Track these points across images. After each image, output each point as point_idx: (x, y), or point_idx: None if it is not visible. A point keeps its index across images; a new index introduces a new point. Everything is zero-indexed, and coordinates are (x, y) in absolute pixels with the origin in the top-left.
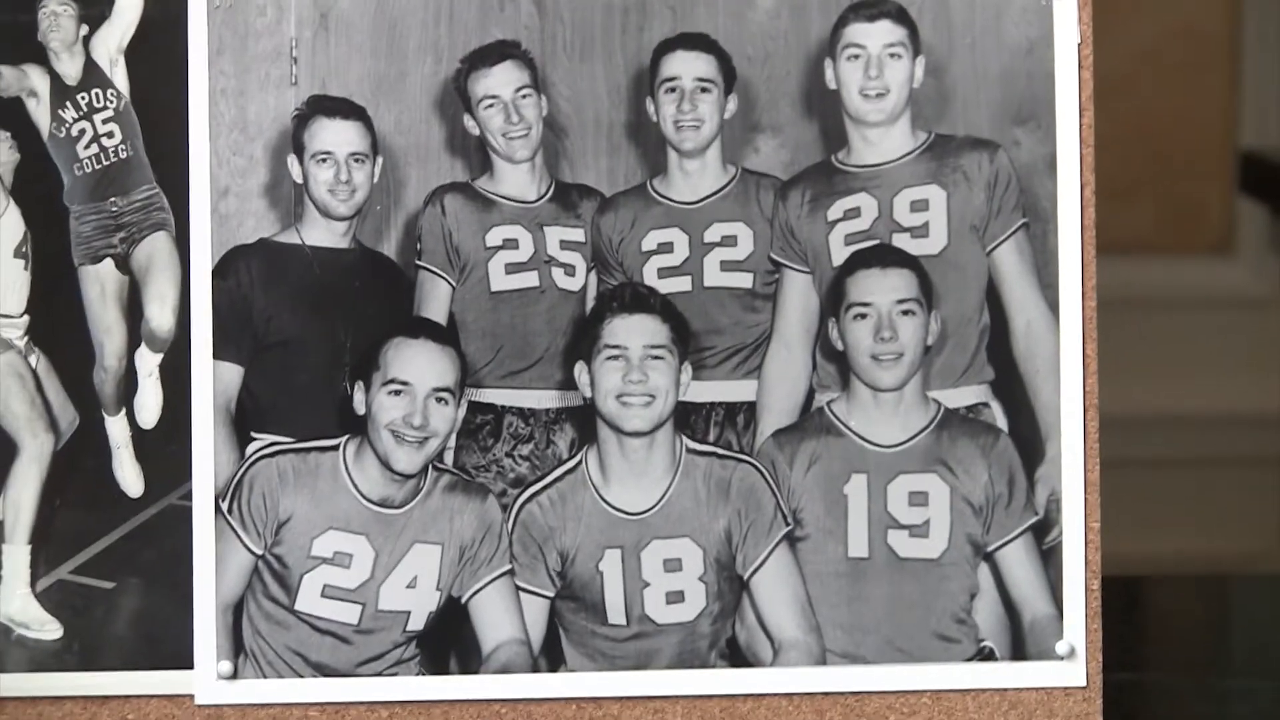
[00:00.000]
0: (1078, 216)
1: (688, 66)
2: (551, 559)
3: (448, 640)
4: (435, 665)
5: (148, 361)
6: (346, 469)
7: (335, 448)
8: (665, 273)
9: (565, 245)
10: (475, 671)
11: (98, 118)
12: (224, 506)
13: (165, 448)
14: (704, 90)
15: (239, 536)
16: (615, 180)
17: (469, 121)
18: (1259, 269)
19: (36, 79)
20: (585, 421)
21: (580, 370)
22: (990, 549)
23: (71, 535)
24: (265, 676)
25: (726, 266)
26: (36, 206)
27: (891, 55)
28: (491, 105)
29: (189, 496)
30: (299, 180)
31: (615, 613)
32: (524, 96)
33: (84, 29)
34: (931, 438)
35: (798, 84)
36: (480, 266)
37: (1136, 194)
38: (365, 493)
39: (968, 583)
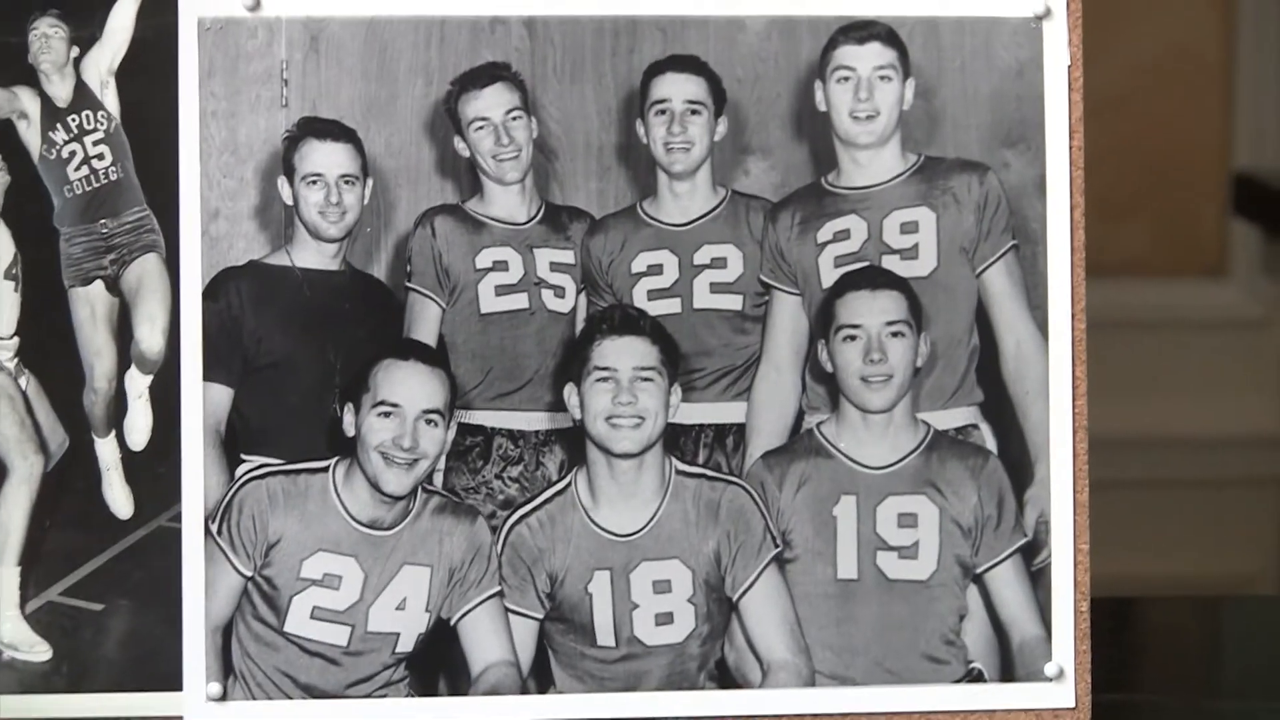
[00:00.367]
0: (1067, 238)
1: (678, 89)
2: (541, 581)
3: (437, 662)
4: (424, 687)
5: (138, 383)
6: (336, 491)
7: (325, 469)
8: (655, 294)
9: (555, 267)
10: (464, 693)
11: (88, 139)
12: (213, 528)
13: (155, 469)
14: (694, 112)
15: (228, 558)
16: (605, 202)
17: (459, 144)
18: (1252, 290)
19: (27, 101)
20: (575, 443)
21: (570, 392)
22: (979, 570)
23: (61, 557)
24: (254, 698)
25: (716, 288)
26: (27, 228)
27: (881, 77)
28: (482, 127)
29: (179, 518)
30: (289, 202)
31: (604, 634)
32: (514, 118)
33: (75, 51)
34: (921, 459)
35: (788, 106)
36: (470, 288)
37: (1130, 215)
38: (355, 514)
39: (957, 604)
